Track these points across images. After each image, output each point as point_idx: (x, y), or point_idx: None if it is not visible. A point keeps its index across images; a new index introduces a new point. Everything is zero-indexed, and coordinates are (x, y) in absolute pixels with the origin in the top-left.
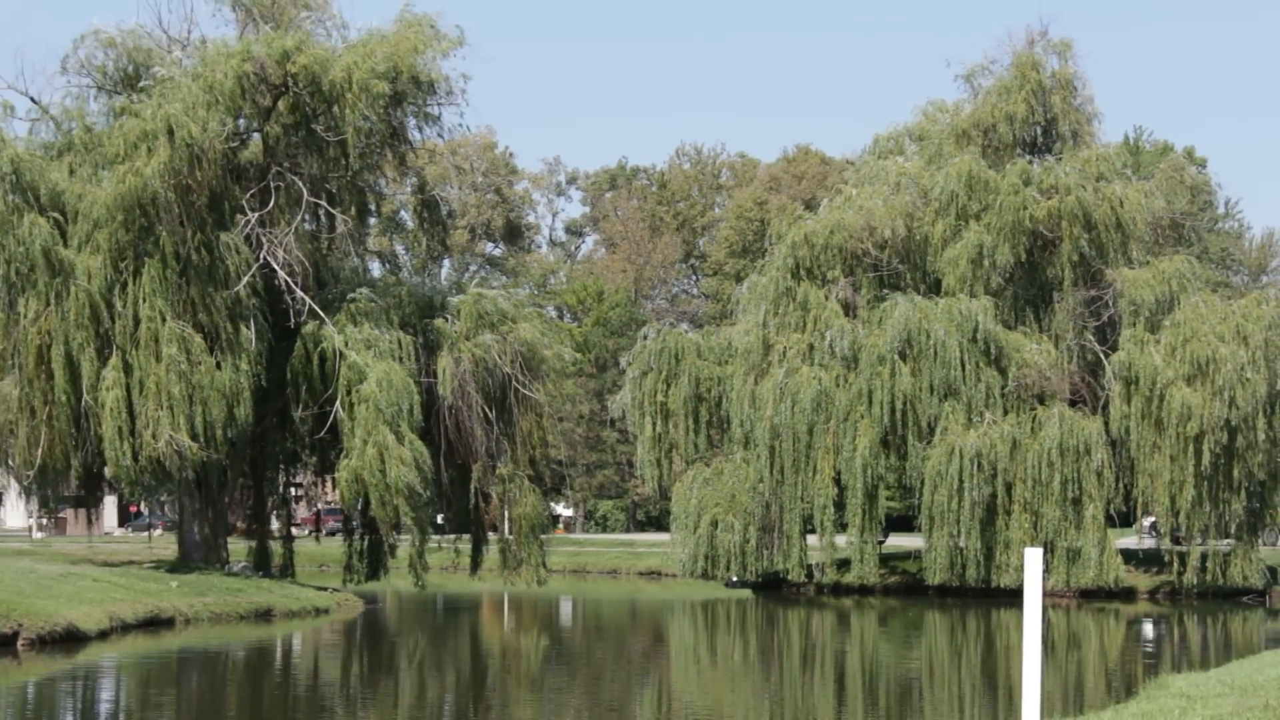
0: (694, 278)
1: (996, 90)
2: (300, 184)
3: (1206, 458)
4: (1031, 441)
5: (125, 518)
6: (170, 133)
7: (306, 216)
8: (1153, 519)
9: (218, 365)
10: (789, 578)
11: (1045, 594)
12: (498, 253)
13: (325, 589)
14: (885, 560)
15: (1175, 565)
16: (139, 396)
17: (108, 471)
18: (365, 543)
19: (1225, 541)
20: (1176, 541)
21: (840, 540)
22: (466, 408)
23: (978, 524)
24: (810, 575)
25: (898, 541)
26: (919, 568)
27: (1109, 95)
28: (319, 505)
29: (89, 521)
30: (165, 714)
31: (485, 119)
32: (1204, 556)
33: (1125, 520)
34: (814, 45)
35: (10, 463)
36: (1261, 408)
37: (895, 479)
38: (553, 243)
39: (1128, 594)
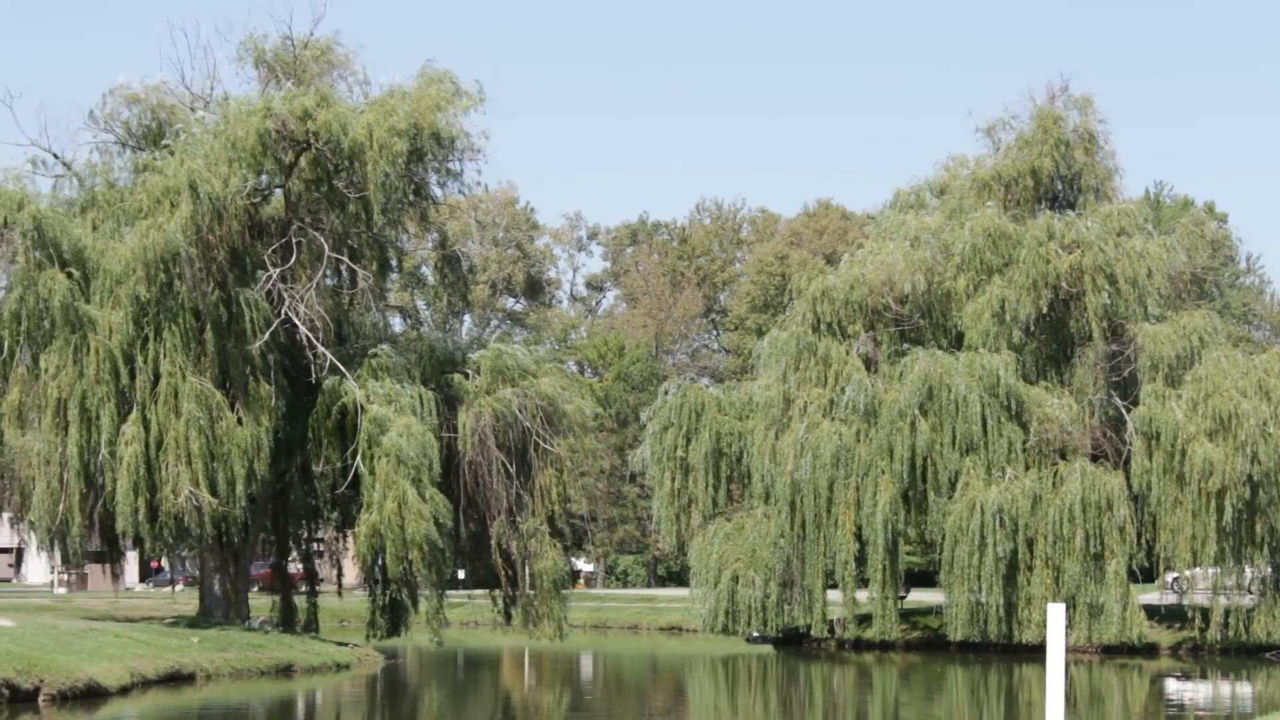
0: (715, 333)
1: (1018, 144)
2: (321, 239)
3: (1229, 513)
4: (1053, 497)
5: (146, 573)
6: (193, 189)
7: (328, 272)
8: (1175, 574)
9: (238, 421)
10: (810, 633)
11: (1067, 650)
12: (519, 308)
13: (346, 644)
14: (906, 615)
15: (1198, 621)
16: (159, 452)
17: (118, 527)
18: (387, 598)
19: (1249, 597)
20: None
21: (861, 595)
22: (487, 462)
23: (999, 579)
24: (832, 630)
25: (919, 597)
26: (940, 623)
27: (1130, 150)
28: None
29: (113, 577)
30: None
31: (506, 174)
32: (1226, 612)
33: (1148, 576)
34: (835, 100)
35: (31, 518)
36: None
37: (916, 534)
38: (574, 298)
39: (1150, 650)
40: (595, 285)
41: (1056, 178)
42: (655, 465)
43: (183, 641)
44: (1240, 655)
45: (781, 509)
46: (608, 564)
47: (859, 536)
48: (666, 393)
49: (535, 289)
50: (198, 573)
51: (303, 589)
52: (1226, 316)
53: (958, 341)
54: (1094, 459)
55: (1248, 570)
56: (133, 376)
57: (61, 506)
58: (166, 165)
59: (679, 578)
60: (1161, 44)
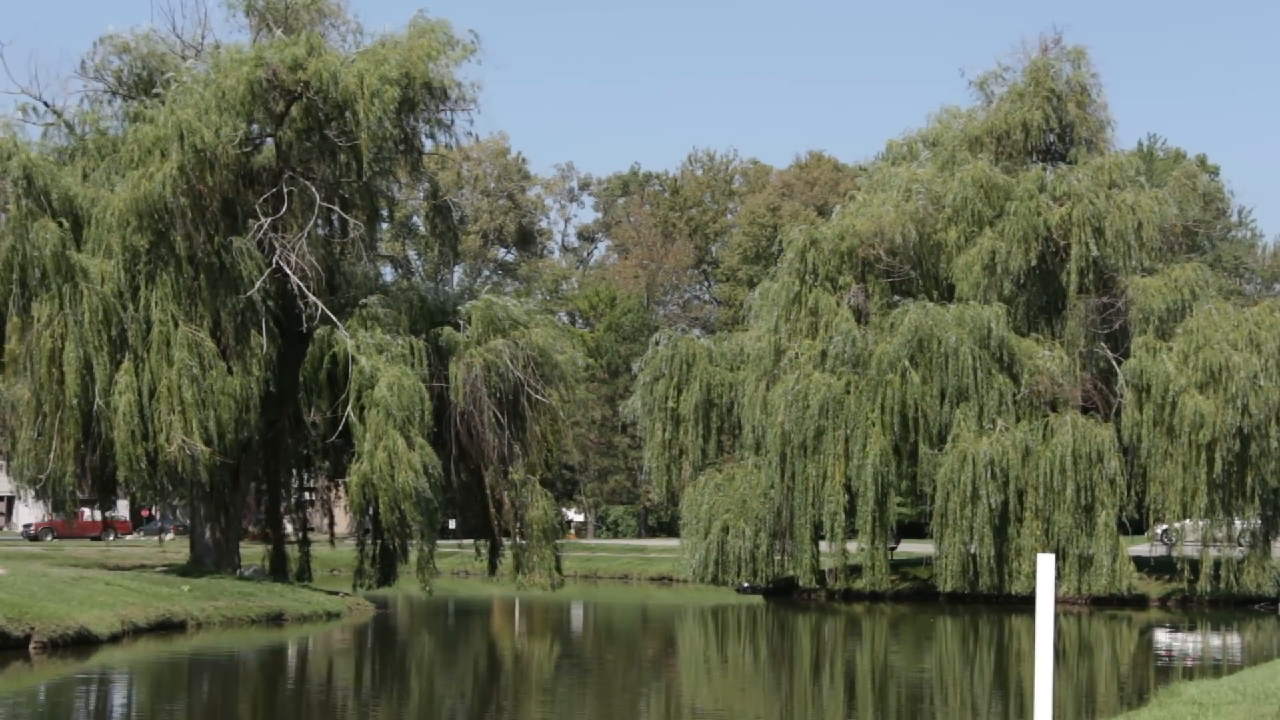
0: (706, 284)
1: (1010, 97)
2: (313, 189)
3: (1219, 465)
4: (1044, 449)
5: (137, 522)
6: (182, 138)
7: (319, 222)
8: (1165, 526)
9: (230, 370)
10: (800, 584)
11: (1057, 601)
12: (510, 258)
13: (337, 593)
14: (896, 567)
15: (1187, 573)
16: (151, 401)
17: (120, 475)
18: (377, 548)
19: (1238, 549)
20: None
21: (851, 546)
22: (478, 413)
23: (990, 531)
24: (822, 581)
25: (909, 548)
26: (930, 574)
27: (1122, 103)
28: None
29: (105, 525)
30: (177, 718)
31: (498, 125)
32: (1216, 564)
33: (1137, 528)
34: (827, 52)
35: (18, 465)
36: (1274, 415)
37: (907, 485)
38: (565, 248)
39: (1139, 601)
40: (587, 236)
41: (1048, 130)
42: (646, 416)
43: (173, 590)
44: (1229, 607)
45: (772, 460)
46: (599, 514)
47: (849, 488)
48: (658, 343)
49: (526, 239)
50: (188, 521)
51: (294, 538)
52: (1218, 269)
53: (948, 293)
54: (1084, 411)
55: (1237, 522)
56: (125, 325)
57: (52, 455)
58: (157, 114)
59: (669, 528)
60: None
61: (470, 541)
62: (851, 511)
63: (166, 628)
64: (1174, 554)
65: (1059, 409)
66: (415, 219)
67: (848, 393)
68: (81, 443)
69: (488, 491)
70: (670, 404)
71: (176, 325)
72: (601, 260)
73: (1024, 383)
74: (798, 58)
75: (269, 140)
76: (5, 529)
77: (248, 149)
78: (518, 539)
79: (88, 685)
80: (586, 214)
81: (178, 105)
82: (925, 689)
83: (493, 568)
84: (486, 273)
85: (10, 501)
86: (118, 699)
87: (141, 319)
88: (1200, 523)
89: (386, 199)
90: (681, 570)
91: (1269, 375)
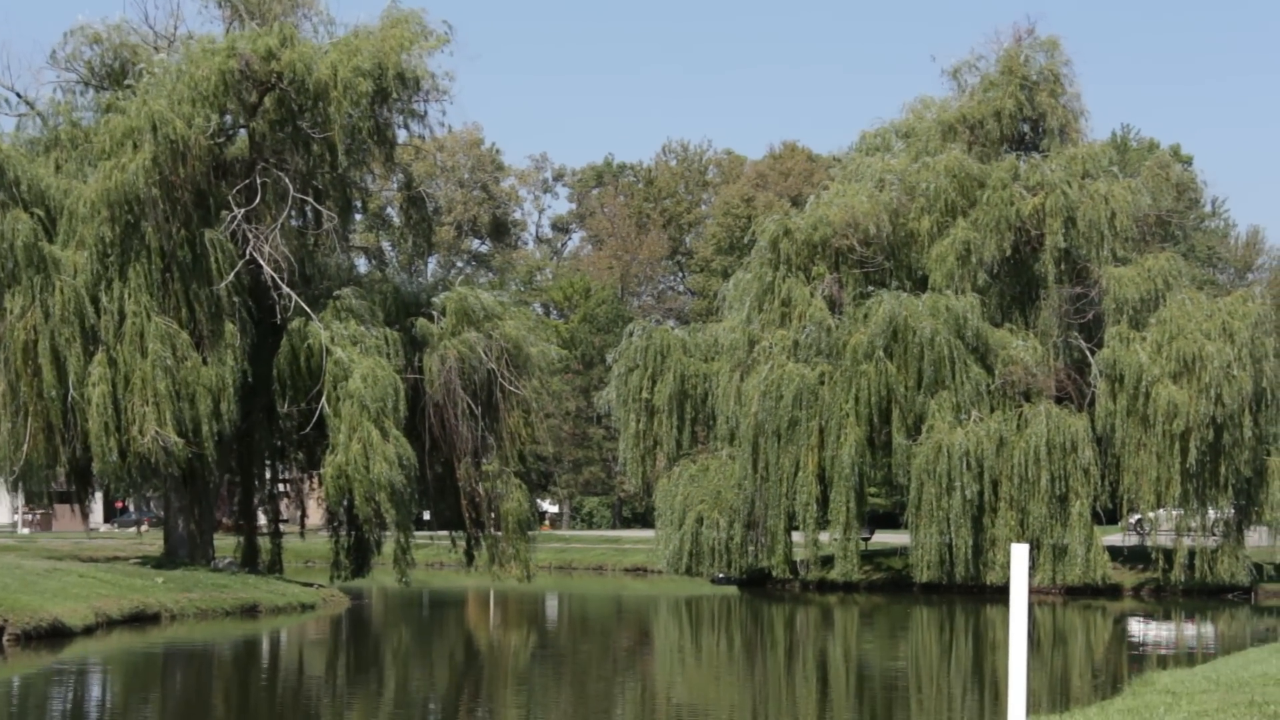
0: (680, 275)
1: (983, 86)
2: (286, 180)
3: (1193, 455)
4: (1018, 439)
5: (111, 514)
6: (155, 129)
7: (292, 213)
8: (1138, 516)
9: (204, 361)
10: (774, 574)
11: (1031, 591)
12: (484, 249)
13: (311, 585)
14: (871, 557)
15: (1161, 562)
16: (125, 393)
17: (94, 467)
18: (352, 539)
19: (1212, 538)
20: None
21: (824, 537)
22: (452, 404)
23: (966, 521)
24: (795, 572)
25: (883, 538)
26: (904, 564)
27: (1096, 94)
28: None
29: (83, 516)
30: (151, 710)
31: (472, 116)
32: (1190, 553)
33: (1111, 517)
34: (801, 43)
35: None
36: (1248, 405)
37: (881, 475)
38: (539, 239)
39: (1114, 591)
40: (561, 227)
41: (1022, 120)
42: (620, 407)
43: (147, 582)
44: (1203, 596)
45: (745, 450)
46: (573, 505)
47: (823, 478)
48: (632, 335)
49: (500, 230)
50: (162, 513)
51: (267, 530)
52: (1191, 259)
53: (922, 283)
54: (1058, 401)
55: (1211, 512)
56: (98, 317)
57: (25, 447)
58: (129, 105)
59: (644, 519)
60: None
61: (444, 533)
62: (825, 502)
63: (140, 620)
64: (1148, 543)
65: (1033, 399)
66: (389, 210)
67: (822, 383)
68: (56, 435)
69: (461, 483)
70: (645, 395)
71: (150, 317)
72: (576, 251)
73: (998, 373)
74: (772, 48)
75: (242, 131)
76: None
77: (220, 140)
78: (492, 530)
79: (62, 677)
80: (561, 205)
81: (150, 96)
82: (900, 679)
83: (469, 559)
84: (460, 264)
85: None
86: (92, 691)
87: (115, 310)
88: (1174, 512)
89: (360, 190)
90: (656, 561)
91: (1242, 365)
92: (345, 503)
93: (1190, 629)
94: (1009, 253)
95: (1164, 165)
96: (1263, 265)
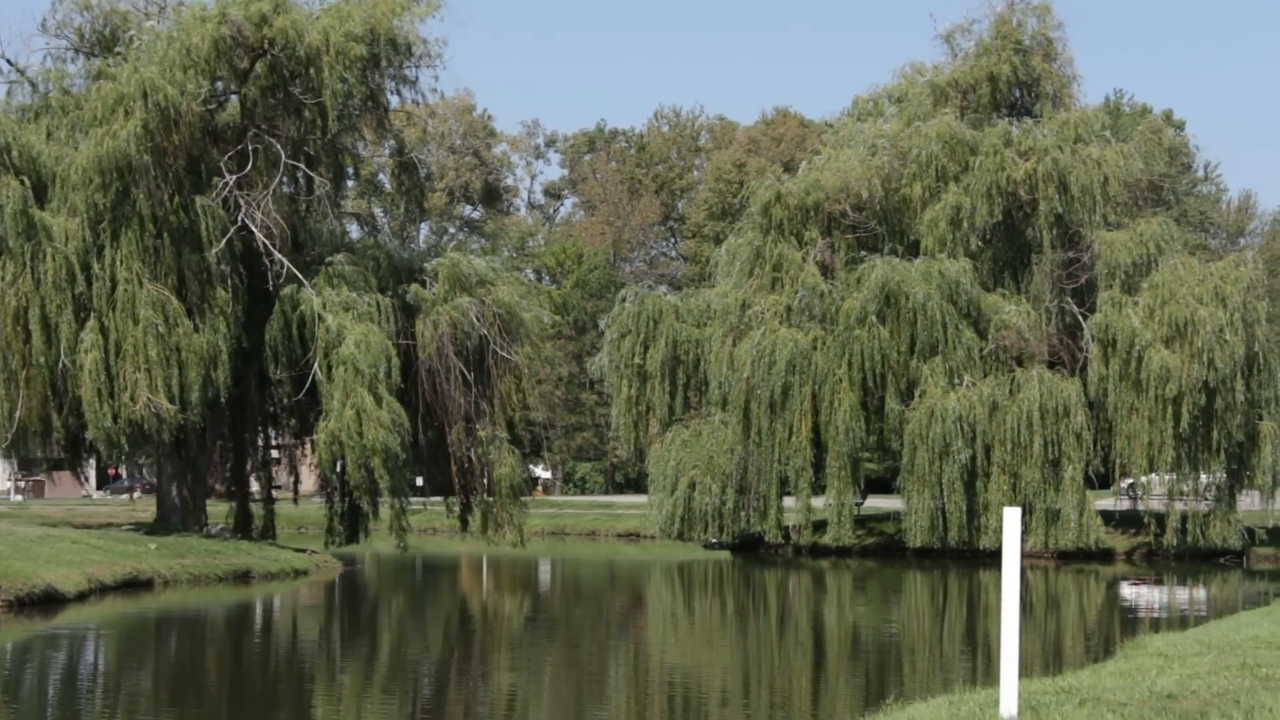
0: (673, 240)
1: (976, 51)
2: (278, 146)
3: (1185, 419)
4: (1010, 403)
5: (104, 480)
6: (146, 96)
7: (284, 179)
8: (1130, 480)
9: (195, 328)
10: (766, 539)
11: (1024, 555)
12: (476, 215)
13: (304, 551)
14: (863, 522)
15: (1153, 526)
16: (116, 359)
17: (89, 434)
18: (345, 505)
19: (1204, 503)
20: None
21: (817, 502)
22: (445, 370)
23: (960, 486)
24: (787, 537)
25: (876, 503)
26: (897, 529)
27: (1089, 58)
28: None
29: (80, 481)
30: (144, 674)
31: (463, 82)
32: (1183, 518)
33: (1104, 482)
34: (795, 8)
35: None
36: (1240, 369)
37: (874, 440)
38: (531, 205)
39: (1106, 555)
40: (553, 193)
41: (1014, 84)
42: (613, 373)
43: (140, 548)
44: (1195, 560)
45: (738, 416)
46: (565, 471)
47: (816, 443)
48: (624, 300)
49: (493, 196)
50: (155, 480)
51: (259, 496)
52: (1183, 224)
53: (914, 249)
54: (1051, 366)
55: (1203, 476)
56: (90, 284)
57: (20, 414)
58: (120, 72)
59: (637, 484)
60: None
61: (438, 499)
62: (818, 466)
63: (134, 585)
64: (1140, 508)
65: (1025, 364)
66: (381, 176)
67: (815, 348)
68: (48, 402)
69: (454, 449)
70: (637, 360)
71: (141, 284)
72: (568, 217)
73: (991, 337)
74: (765, 13)
75: (233, 98)
76: None
77: (212, 106)
78: (485, 496)
79: (55, 643)
80: (553, 171)
81: (141, 63)
82: (893, 643)
83: (463, 525)
84: (453, 230)
85: None
86: (86, 656)
87: (106, 277)
88: (1167, 476)
89: (352, 156)
90: (649, 526)
91: (1234, 329)
92: (338, 469)
93: (1182, 593)
94: (1001, 218)
95: (1156, 130)
96: (1255, 230)
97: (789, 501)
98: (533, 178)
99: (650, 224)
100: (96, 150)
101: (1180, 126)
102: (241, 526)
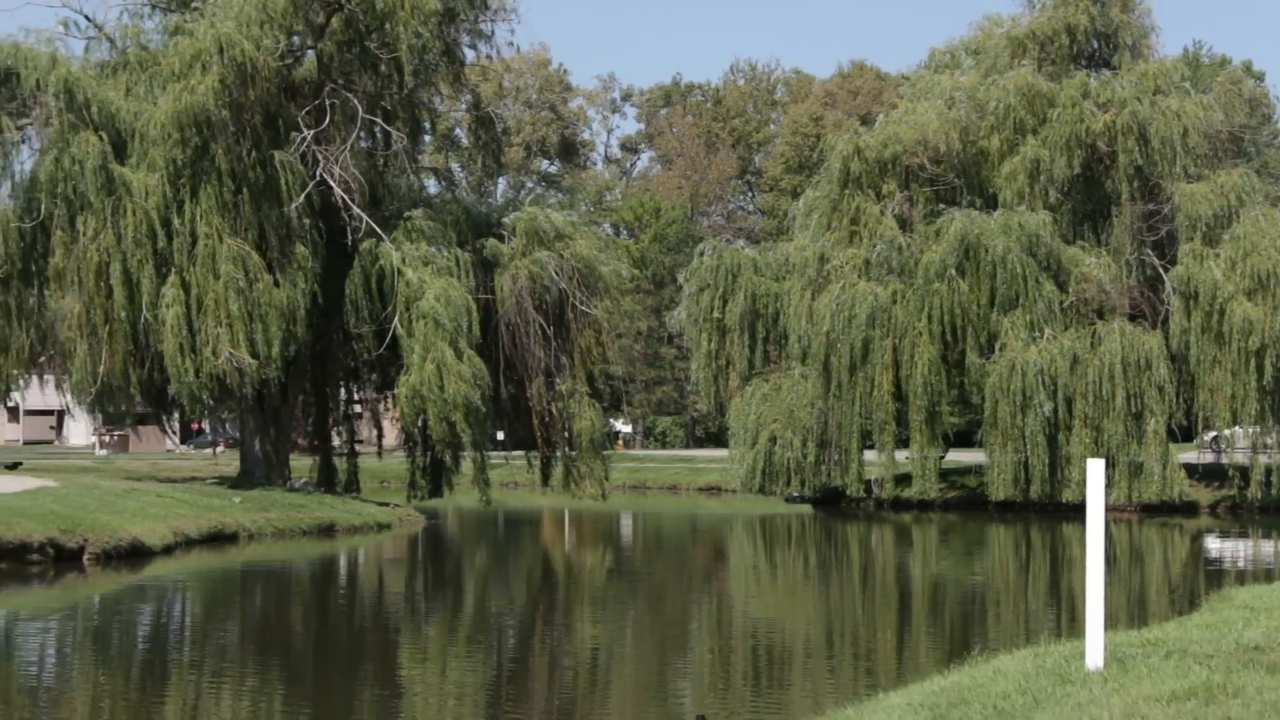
0: (750, 194)
1: (1053, 2)
2: (355, 101)
3: (1268, 372)
4: (1092, 356)
5: (187, 435)
6: (222, 51)
7: (361, 134)
8: (1214, 433)
9: (276, 283)
10: (848, 493)
11: (1107, 508)
12: (553, 170)
13: (388, 505)
14: (945, 475)
15: (1237, 480)
16: (198, 314)
17: (171, 388)
18: (428, 459)
19: None
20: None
21: (900, 455)
22: (524, 324)
23: (1042, 439)
24: (869, 490)
25: (956, 456)
26: (979, 482)
27: (1167, 10)
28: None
29: (165, 436)
30: (231, 627)
31: (539, 36)
32: (1267, 470)
33: (1186, 435)
34: None
35: (74, 381)
36: None
37: (955, 394)
38: (608, 160)
39: (1190, 508)
40: (630, 147)
41: (1092, 35)
42: (692, 327)
43: (225, 502)
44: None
45: (818, 370)
46: (646, 425)
47: (898, 396)
48: (702, 254)
49: (569, 151)
50: (238, 435)
51: (342, 450)
52: (1264, 175)
53: (992, 202)
54: (1131, 319)
55: None
56: (170, 239)
57: (103, 369)
58: (197, 28)
59: (717, 438)
60: None
61: (519, 453)
62: (900, 420)
63: (218, 539)
64: (1224, 461)
65: (1106, 317)
66: (458, 131)
67: (894, 302)
68: (130, 356)
69: (534, 403)
70: (716, 314)
71: (221, 239)
72: (645, 171)
73: (1071, 290)
74: None
75: (310, 53)
76: (56, 443)
77: (288, 61)
78: (566, 450)
79: (143, 595)
80: (629, 125)
81: (217, 18)
82: (976, 595)
83: (544, 478)
84: (530, 184)
85: (61, 416)
86: (173, 609)
87: (186, 232)
88: (1250, 429)
89: (428, 111)
90: (730, 480)
91: None
92: (420, 423)
93: (1267, 546)
94: (1079, 170)
95: (1236, 81)
96: None
97: (869, 455)
98: (609, 132)
99: (727, 178)
100: (175, 106)
101: (1260, 77)
102: (325, 480)
